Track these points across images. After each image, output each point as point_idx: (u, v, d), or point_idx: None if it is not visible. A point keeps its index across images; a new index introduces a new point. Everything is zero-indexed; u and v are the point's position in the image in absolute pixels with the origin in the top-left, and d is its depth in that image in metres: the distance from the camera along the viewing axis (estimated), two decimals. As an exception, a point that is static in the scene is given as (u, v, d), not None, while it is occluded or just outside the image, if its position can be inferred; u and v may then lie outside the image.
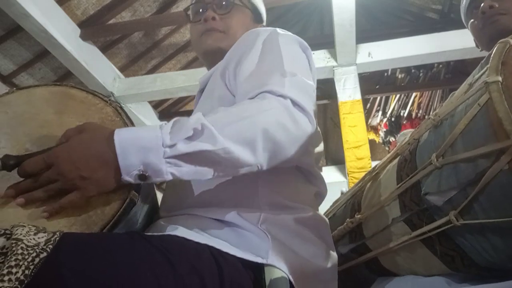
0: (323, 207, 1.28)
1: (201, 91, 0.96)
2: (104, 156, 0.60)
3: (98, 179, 0.60)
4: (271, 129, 0.64)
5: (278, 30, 0.86)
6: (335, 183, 4.94)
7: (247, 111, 0.64)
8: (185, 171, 0.61)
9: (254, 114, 0.64)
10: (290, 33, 0.87)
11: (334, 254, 0.80)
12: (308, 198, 0.81)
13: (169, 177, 0.60)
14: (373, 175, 0.99)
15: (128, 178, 0.60)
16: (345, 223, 0.98)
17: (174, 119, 0.64)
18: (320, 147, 0.91)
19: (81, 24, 3.17)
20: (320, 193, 0.86)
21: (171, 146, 0.59)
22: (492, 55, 0.64)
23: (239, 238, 0.67)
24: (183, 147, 0.59)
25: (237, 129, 0.62)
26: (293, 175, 0.79)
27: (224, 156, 0.61)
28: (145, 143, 0.59)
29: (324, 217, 0.84)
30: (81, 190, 0.61)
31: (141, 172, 0.60)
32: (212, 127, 0.61)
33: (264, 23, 1.09)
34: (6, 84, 3.35)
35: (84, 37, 3.17)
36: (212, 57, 0.98)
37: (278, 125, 0.64)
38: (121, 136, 0.60)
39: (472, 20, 1.12)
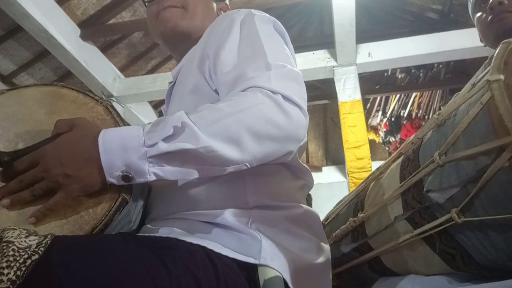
0: (325, 208, 1.29)
1: (173, 84, 0.93)
2: (89, 155, 0.59)
3: (82, 178, 0.59)
4: (259, 125, 0.61)
5: (253, 11, 0.82)
6: (335, 183, 4.96)
7: (233, 107, 0.62)
8: (168, 170, 0.60)
9: (241, 110, 0.61)
10: (266, 14, 0.83)
11: (326, 247, 0.79)
12: (297, 193, 0.80)
13: (153, 178, 0.60)
14: (377, 175, 0.99)
15: (111, 179, 0.60)
16: (348, 222, 0.98)
17: (158, 118, 0.63)
18: (304, 139, 0.90)
19: (81, 24, 3.18)
20: (307, 185, 0.84)
21: (152, 146, 0.58)
22: (495, 55, 0.65)
23: (230, 239, 0.66)
24: (164, 146, 0.58)
25: (221, 126, 0.60)
26: (280, 172, 0.78)
27: (207, 155, 0.59)
28: (126, 143, 0.59)
29: (314, 210, 0.83)
30: (66, 189, 0.60)
31: (124, 173, 0.59)
32: (193, 125, 0.59)
33: (227, 1, 1.03)
34: (6, 84, 3.36)
35: (84, 37, 3.17)
36: (173, 40, 0.93)
37: (267, 121, 0.62)
38: (105, 136, 0.60)
39: (479, 14, 1.10)
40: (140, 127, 0.61)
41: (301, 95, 0.67)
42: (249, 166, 0.64)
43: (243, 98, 0.63)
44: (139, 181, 0.60)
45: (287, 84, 0.66)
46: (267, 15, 0.83)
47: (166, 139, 0.59)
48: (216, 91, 0.77)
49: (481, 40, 1.15)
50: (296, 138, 0.66)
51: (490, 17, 1.04)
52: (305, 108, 0.67)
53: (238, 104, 0.62)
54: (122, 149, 0.59)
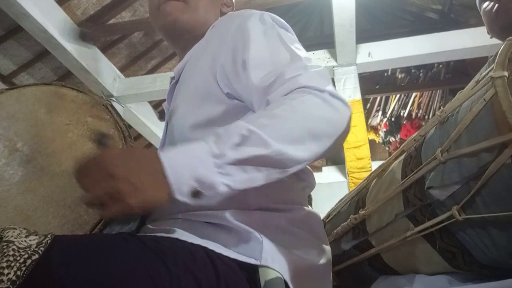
0: (325, 208, 1.28)
1: (176, 82, 0.91)
2: (154, 168, 0.55)
3: (145, 190, 0.54)
4: (316, 125, 0.63)
5: (265, 12, 0.82)
6: (335, 183, 4.95)
7: (289, 111, 0.62)
8: (238, 179, 0.58)
9: (297, 112, 0.62)
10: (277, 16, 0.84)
11: (327, 248, 0.79)
12: (299, 195, 0.80)
13: (223, 189, 0.57)
14: (378, 172, 0.99)
15: (180, 196, 0.55)
16: (349, 219, 0.98)
17: (215, 131, 0.60)
18: None
19: (81, 24, 3.17)
20: (309, 186, 0.84)
21: (220, 156, 0.56)
22: (499, 52, 0.65)
23: (232, 240, 0.66)
24: (233, 154, 0.56)
25: (284, 130, 0.60)
26: None
27: (276, 159, 0.59)
28: (193, 157, 0.56)
29: (316, 212, 0.83)
30: (125, 199, 0.53)
31: (194, 189, 0.55)
32: (260, 131, 0.58)
33: None
34: (6, 84, 3.35)
35: (84, 37, 3.17)
36: (174, 34, 0.92)
37: (322, 120, 0.63)
38: (166, 154, 0.56)
39: (485, 4, 1.09)
40: (201, 141, 0.58)
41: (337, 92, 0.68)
42: (307, 164, 0.65)
43: (295, 101, 0.63)
44: (208, 195, 0.57)
45: (327, 82, 0.68)
46: (279, 17, 0.83)
47: (234, 148, 0.57)
48: (227, 94, 0.76)
49: (488, 32, 1.14)
50: (347, 131, 0.67)
51: (496, 7, 1.04)
52: (345, 100, 0.68)
53: (293, 107, 0.62)
54: (188, 163, 0.56)
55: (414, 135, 0.91)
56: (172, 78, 0.94)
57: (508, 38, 0.66)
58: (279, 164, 0.60)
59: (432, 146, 0.76)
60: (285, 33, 0.79)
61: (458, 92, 0.79)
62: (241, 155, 0.57)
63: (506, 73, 0.60)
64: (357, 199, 1.04)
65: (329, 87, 0.66)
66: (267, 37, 0.76)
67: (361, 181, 1.11)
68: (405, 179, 0.81)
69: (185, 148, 0.58)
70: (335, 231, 1.03)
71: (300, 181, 0.81)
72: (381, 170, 0.98)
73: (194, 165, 0.55)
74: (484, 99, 0.62)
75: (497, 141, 0.58)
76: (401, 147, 0.96)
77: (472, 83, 0.75)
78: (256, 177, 0.59)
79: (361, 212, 0.94)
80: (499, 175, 0.59)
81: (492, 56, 0.72)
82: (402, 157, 0.89)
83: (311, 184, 0.84)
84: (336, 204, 1.22)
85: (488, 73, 0.65)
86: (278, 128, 0.60)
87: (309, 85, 0.65)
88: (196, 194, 0.56)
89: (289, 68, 0.69)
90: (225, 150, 0.56)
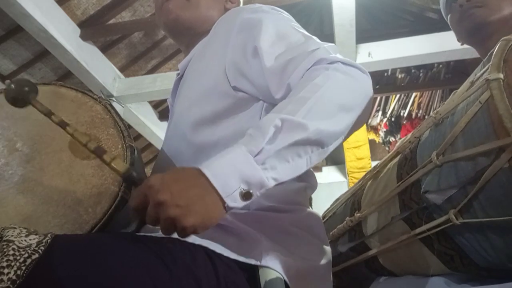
0: (325, 208, 1.29)
1: (180, 77, 0.92)
2: (200, 184, 0.54)
3: (198, 208, 0.53)
4: (344, 96, 0.64)
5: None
6: (335, 183, 4.95)
7: (314, 91, 0.62)
8: (283, 170, 0.57)
9: (321, 90, 0.62)
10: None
11: (328, 249, 0.79)
12: (300, 196, 0.80)
13: (272, 184, 0.57)
14: (373, 174, 0.98)
15: (232, 203, 0.54)
16: (345, 222, 0.97)
17: (248, 131, 0.59)
18: None
19: (81, 24, 3.17)
20: (311, 187, 0.84)
21: (260, 152, 0.56)
22: (494, 53, 0.64)
23: (232, 240, 0.66)
24: (272, 147, 0.56)
25: (316, 108, 0.60)
26: None
27: (315, 138, 0.59)
28: (234, 161, 0.55)
29: (317, 213, 0.83)
30: (180, 222, 0.52)
31: (244, 190, 0.55)
32: (292, 116, 0.58)
33: None
34: (6, 84, 3.35)
35: (84, 37, 3.16)
36: (176, 31, 0.94)
37: (347, 90, 0.65)
38: (207, 166, 0.56)
39: (451, 14, 1.13)
40: (236, 145, 0.57)
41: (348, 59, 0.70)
42: (344, 138, 0.66)
43: (317, 79, 0.64)
44: (260, 194, 0.57)
45: (337, 52, 0.71)
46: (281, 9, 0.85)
47: (271, 140, 0.57)
48: (234, 88, 0.77)
49: (458, 40, 1.17)
50: (370, 96, 0.68)
51: (459, 15, 1.07)
52: (361, 66, 0.70)
53: (317, 86, 0.63)
54: (232, 169, 0.55)
55: (408, 136, 0.91)
56: (177, 74, 0.95)
57: (503, 38, 0.65)
58: (319, 143, 0.60)
59: (428, 149, 0.75)
60: (291, 19, 0.82)
61: (452, 93, 0.79)
62: (280, 145, 0.57)
63: (501, 75, 0.59)
64: (352, 201, 1.04)
65: (343, 58, 0.68)
66: (275, 23, 0.78)
67: (360, 181, 1.11)
68: (400, 182, 0.80)
69: (222, 155, 0.56)
70: (331, 232, 1.03)
71: (300, 182, 0.81)
72: (376, 171, 0.97)
73: (238, 168, 0.55)
74: (479, 102, 0.61)
75: (494, 146, 0.58)
76: (395, 148, 0.95)
77: (466, 84, 0.74)
78: (299, 164, 0.59)
79: (357, 214, 0.94)
80: (496, 180, 0.59)
81: (487, 56, 0.71)
82: (397, 159, 0.89)
83: (313, 185, 0.84)
84: (331, 205, 1.22)
85: (482, 74, 0.64)
86: (309, 108, 0.60)
87: (326, 57, 0.67)
88: (246, 196, 0.55)
89: (305, 45, 0.71)
90: (263, 145, 0.56)
